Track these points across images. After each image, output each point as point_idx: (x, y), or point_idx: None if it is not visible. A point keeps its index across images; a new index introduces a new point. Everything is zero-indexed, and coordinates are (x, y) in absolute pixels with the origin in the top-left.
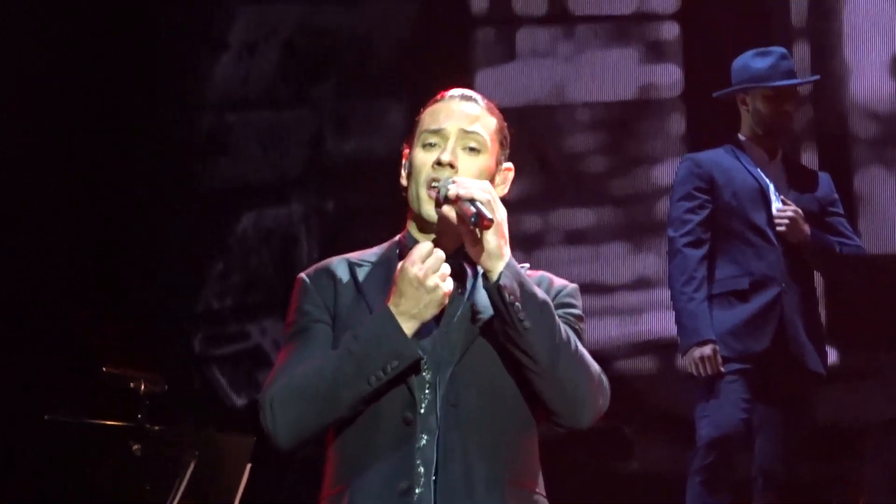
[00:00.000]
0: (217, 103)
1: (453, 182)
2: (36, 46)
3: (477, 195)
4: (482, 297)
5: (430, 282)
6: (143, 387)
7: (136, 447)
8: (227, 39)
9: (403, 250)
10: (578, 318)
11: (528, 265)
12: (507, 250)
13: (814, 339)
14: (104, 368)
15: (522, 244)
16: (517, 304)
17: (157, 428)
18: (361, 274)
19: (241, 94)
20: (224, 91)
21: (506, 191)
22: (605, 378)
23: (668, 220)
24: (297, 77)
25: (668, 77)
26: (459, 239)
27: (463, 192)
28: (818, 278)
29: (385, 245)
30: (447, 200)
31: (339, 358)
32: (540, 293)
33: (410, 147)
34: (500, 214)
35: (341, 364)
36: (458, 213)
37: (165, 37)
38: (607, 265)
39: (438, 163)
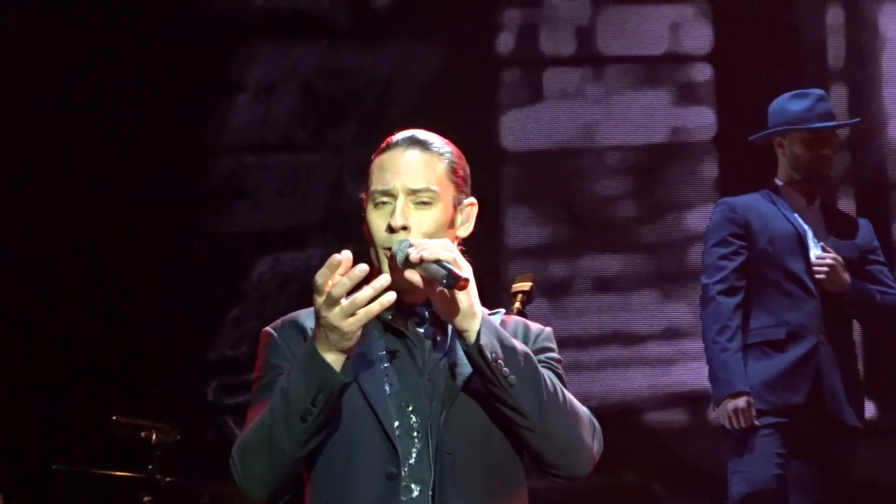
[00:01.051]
0: (234, 146)
1: (411, 245)
2: (54, 87)
3: (442, 255)
4: (459, 351)
5: (328, 317)
6: (154, 436)
7: (146, 499)
8: (244, 81)
9: None
10: (558, 360)
11: (502, 311)
12: (479, 307)
13: (851, 393)
14: (114, 417)
15: (549, 291)
16: (499, 361)
17: (168, 479)
18: None
19: (258, 137)
20: (241, 134)
21: (471, 228)
22: (595, 421)
23: (701, 266)
24: (317, 120)
25: (701, 120)
26: (424, 293)
27: (427, 255)
28: (857, 329)
29: None
30: (408, 264)
31: (274, 399)
32: (519, 345)
33: (367, 196)
34: (467, 271)
35: (276, 405)
36: (423, 276)
37: (182, 78)
38: (637, 314)
39: (391, 229)
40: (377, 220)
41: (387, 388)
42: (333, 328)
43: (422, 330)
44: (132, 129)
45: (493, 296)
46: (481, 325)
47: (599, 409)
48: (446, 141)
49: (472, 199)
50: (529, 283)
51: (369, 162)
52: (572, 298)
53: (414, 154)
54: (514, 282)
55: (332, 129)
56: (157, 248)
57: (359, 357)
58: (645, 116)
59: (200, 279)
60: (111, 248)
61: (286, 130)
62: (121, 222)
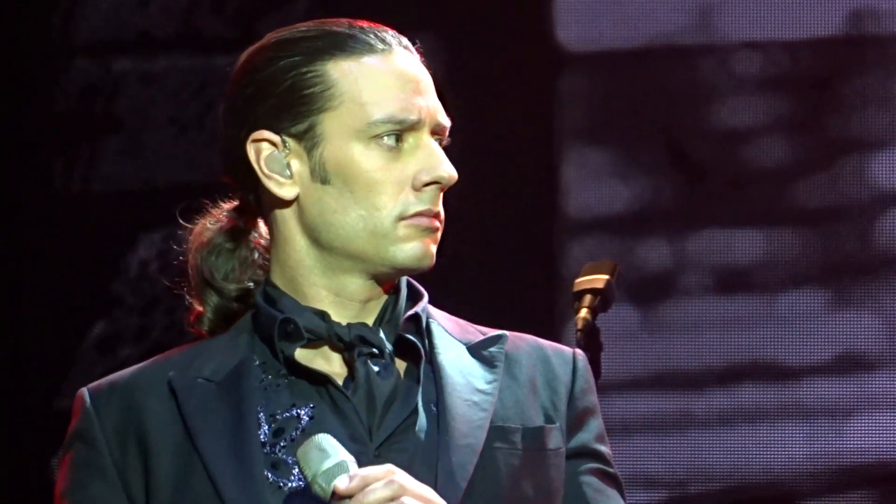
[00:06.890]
0: (95, 42)
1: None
2: None
3: None
4: (450, 387)
5: None
6: None
7: None
8: None
9: (270, 340)
10: (604, 456)
11: (504, 334)
12: None
13: None
14: None
15: (638, 291)
16: None
17: None
18: (190, 401)
19: (137, 26)
20: (108, 21)
21: None
22: None
23: None
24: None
25: None
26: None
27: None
28: None
29: (228, 335)
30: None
31: None
32: None
33: (309, 127)
34: None
35: None
36: None
37: None
38: (792, 331)
39: (437, 183)
40: (389, 170)
41: (291, 478)
42: None
43: (377, 368)
44: None
45: (545, 296)
46: None
47: (721, 494)
48: None
49: None
50: (606, 277)
51: (291, 66)
52: (681, 302)
53: (423, 69)
54: (581, 274)
55: (266, 10)
56: None
57: (221, 432)
58: None
59: (40, 273)
60: None
61: (187, 14)
62: None
